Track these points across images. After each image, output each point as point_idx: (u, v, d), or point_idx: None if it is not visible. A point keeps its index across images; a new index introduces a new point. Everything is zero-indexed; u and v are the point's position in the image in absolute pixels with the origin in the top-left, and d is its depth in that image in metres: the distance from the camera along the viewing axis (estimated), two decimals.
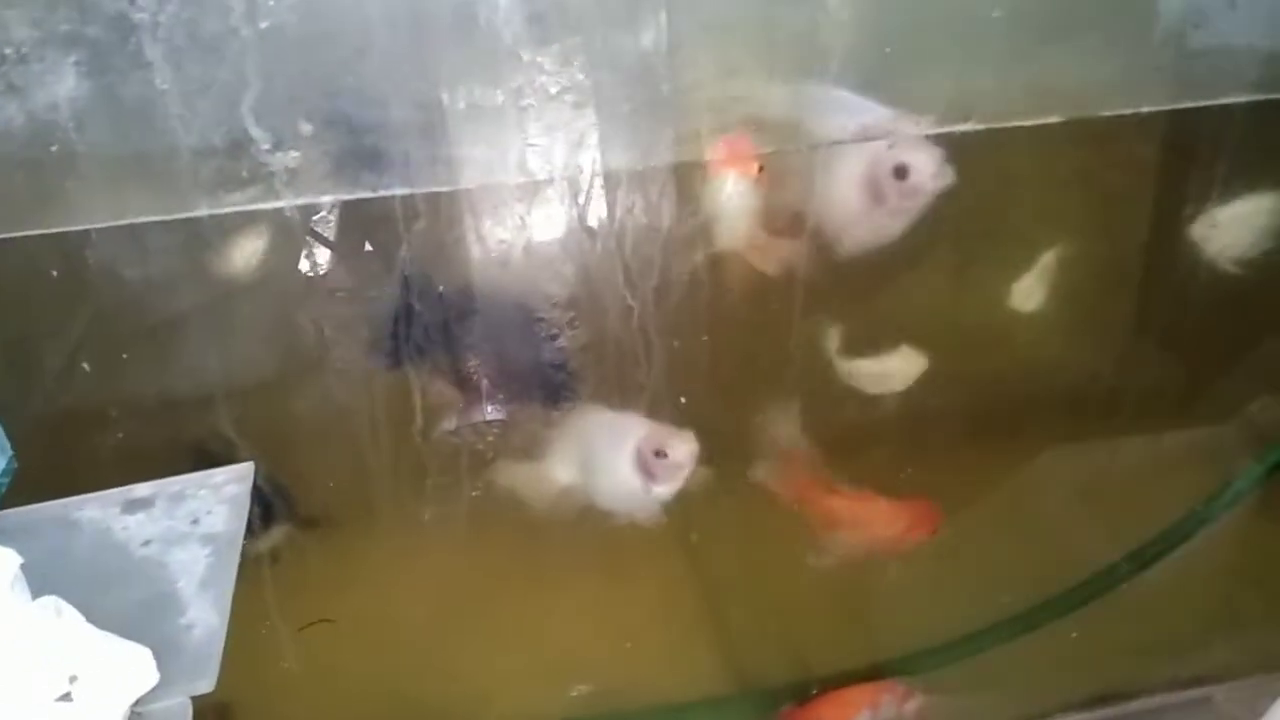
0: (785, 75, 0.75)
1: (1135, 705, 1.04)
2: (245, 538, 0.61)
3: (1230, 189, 0.85)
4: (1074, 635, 0.99)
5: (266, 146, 0.63)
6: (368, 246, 0.73)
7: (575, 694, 0.99)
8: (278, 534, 0.86)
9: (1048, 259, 0.89)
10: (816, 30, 0.72)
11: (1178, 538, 0.99)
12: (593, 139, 0.69)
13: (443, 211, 0.70)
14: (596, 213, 0.74)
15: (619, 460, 0.90)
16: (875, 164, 0.78)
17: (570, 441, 0.93)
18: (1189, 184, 0.85)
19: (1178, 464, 1.02)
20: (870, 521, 0.97)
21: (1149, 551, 1.00)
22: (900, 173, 0.77)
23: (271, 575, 0.83)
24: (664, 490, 0.91)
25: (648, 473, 0.89)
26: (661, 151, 0.74)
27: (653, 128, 0.73)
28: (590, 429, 0.93)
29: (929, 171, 0.77)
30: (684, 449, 0.88)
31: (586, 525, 0.97)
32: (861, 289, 0.87)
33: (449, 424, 0.90)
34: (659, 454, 0.88)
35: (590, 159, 0.70)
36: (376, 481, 0.85)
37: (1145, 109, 0.77)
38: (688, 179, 0.77)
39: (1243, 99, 0.78)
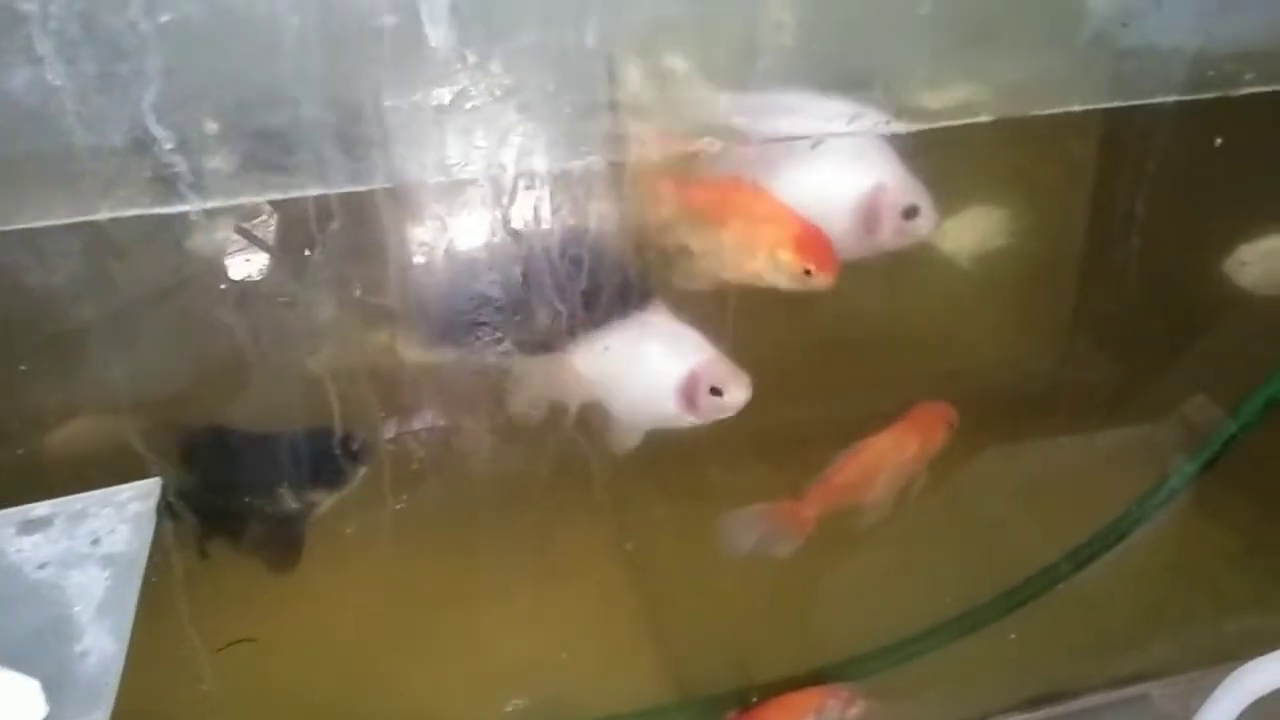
0: (722, 76, 0.74)
1: (1074, 705, 1.05)
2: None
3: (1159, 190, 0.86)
4: (1013, 636, 1.00)
5: (170, 146, 0.60)
6: (277, 249, 0.71)
7: (511, 708, 0.96)
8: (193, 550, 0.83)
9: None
10: (755, 30, 0.71)
11: (1113, 537, 1.00)
12: (515, 138, 0.67)
13: (360, 213, 0.67)
14: (521, 214, 0.72)
15: (665, 376, 0.84)
16: (880, 196, 0.78)
17: (615, 334, 0.84)
18: (1118, 184, 0.85)
19: (1113, 463, 1.03)
20: None
21: (1085, 551, 1.00)
22: (910, 213, 0.78)
23: (187, 592, 0.80)
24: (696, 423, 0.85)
25: (690, 403, 0.83)
26: (593, 152, 0.72)
27: (581, 128, 0.71)
28: (644, 331, 0.85)
29: (933, 218, 0.78)
30: (740, 395, 0.82)
31: (520, 532, 0.95)
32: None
33: (387, 432, 0.88)
34: (714, 390, 0.82)
35: (514, 158, 0.68)
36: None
37: (1075, 108, 0.77)
38: (619, 180, 0.76)
39: (1171, 99, 0.79)
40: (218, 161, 0.61)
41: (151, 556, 0.60)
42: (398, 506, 0.86)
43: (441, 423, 0.89)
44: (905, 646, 1.01)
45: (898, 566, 1.01)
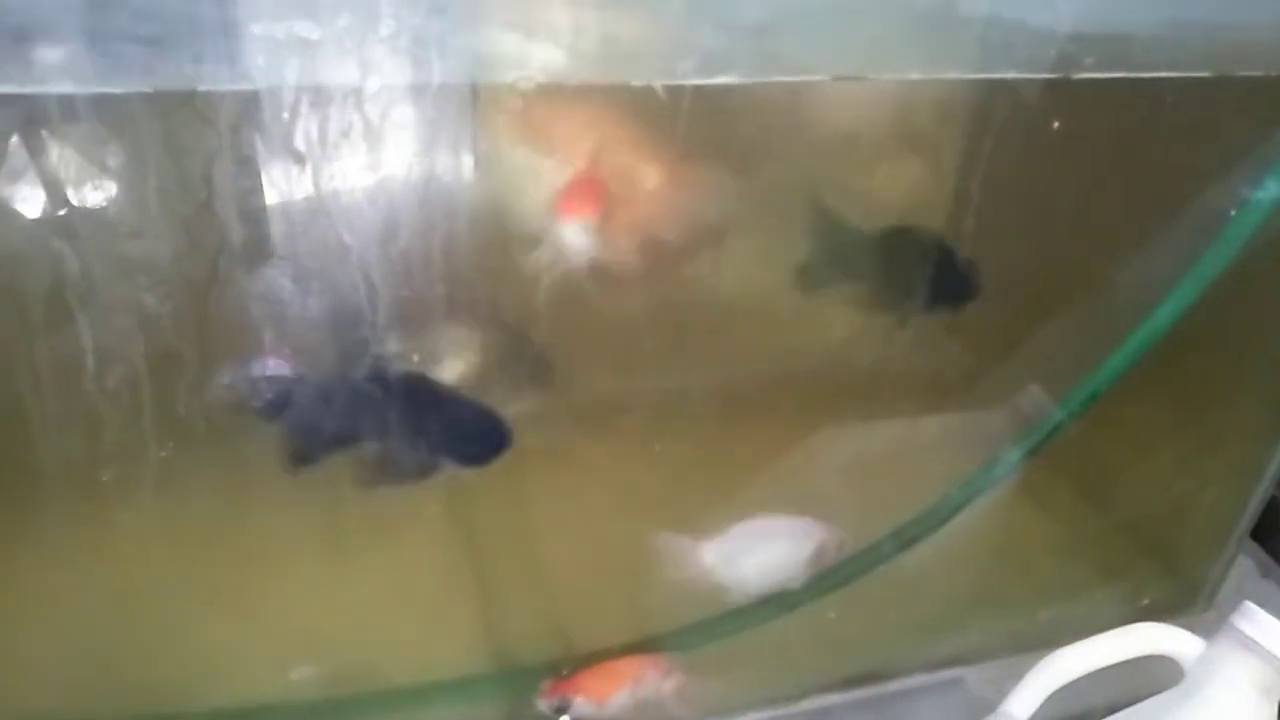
0: None
1: (890, 686, 1.05)
2: None
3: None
4: (831, 615, 0.99)
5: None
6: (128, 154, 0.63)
7: (297, 676, 0.91)
8: None
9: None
10: None
11: (935, 521, 1.00)
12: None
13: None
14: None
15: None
16: None
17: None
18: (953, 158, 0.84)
19: (941, 447, 1.03)
20: None
21: (907, 533, 1.00)
22: None
23: None
24: None
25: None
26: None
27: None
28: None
29: None
30: None
31: (324, 490, 0.90)
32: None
33: (223, 376, 0.81)
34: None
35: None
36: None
37: (913, 76, 0.75)
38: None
39: (1011, 75, 0.77)
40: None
41: None
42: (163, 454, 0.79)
43: (283, 372, 0.83)
44: (724, 621, 0.99)
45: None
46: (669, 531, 0.94)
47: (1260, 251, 0.91)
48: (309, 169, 0.65)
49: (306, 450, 0.85)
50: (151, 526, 0.87)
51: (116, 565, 0.87)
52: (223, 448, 0.83)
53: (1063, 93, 0.79)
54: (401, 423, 0.84)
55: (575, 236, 0.78)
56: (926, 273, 0.95)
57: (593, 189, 0.80)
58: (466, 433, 0.87)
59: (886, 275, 0.97)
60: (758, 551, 0.96)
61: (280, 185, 0.67)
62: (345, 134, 0.64)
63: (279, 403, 0.82)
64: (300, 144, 0.63)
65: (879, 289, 0.98)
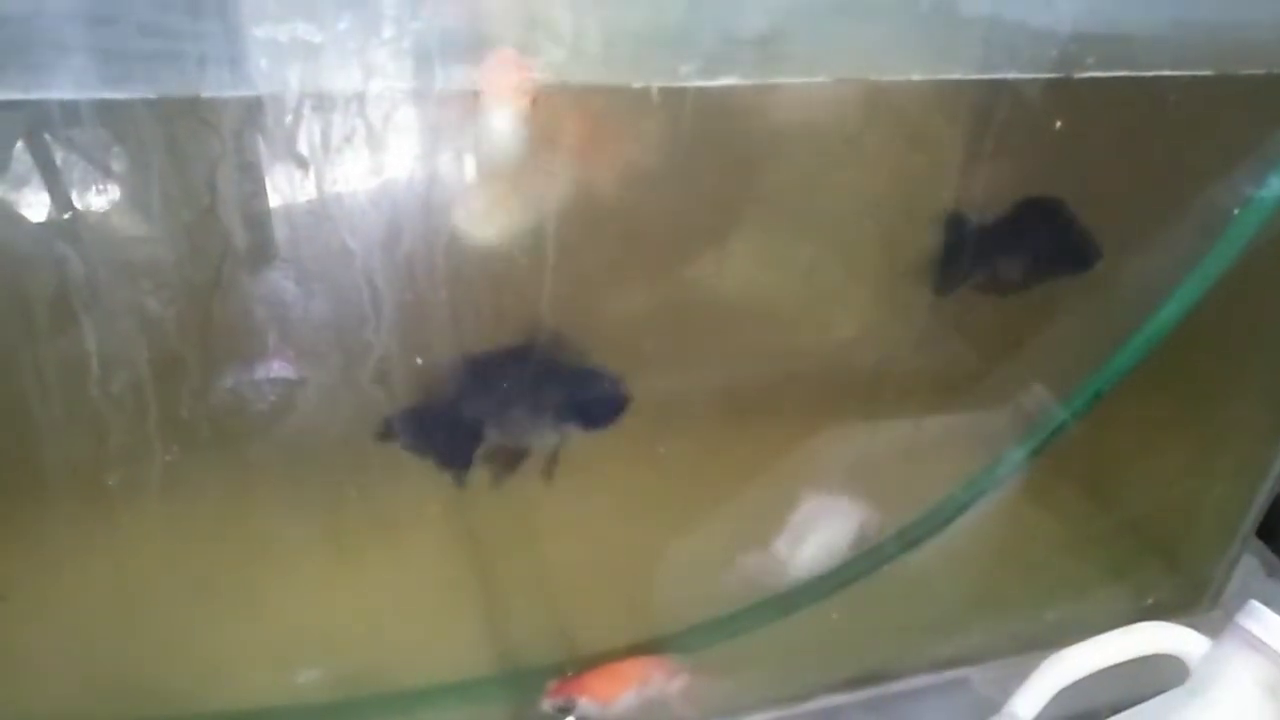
0: None
1: (895, 686, 1.05)
2: None
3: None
4: (835, 616, 0.99)
5: None
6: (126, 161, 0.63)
7: (302, 679, 0.91)
8: None
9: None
10: None
11: (939, 521, 0.99)
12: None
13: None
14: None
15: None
16: None
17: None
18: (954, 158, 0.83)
19: (946, 447, 1.02)
20: None
21: (911, 534, 1.00)
22: None
23: None
24: None
25: None
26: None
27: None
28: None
29: None
30: None
31: (330, 493, 0.90)
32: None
33: (227, 379, 0.81)
34: None
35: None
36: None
37: (915, 77, 0.75)
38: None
39: (1012, 76, 0.77)
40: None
41: None
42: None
43: (287, 374, 0.83)
44: (729, 622, 0.99)
45: (727, 542, 0.99)
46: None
47: (1264, 249, 0.91)
48: (312, 173, 0.65)
49: (458, 454, 0.88)
50: (156, 528, 0.87)
51: (122, 567, 0.87)
52: (227, 450, 0.83)
53: (1065, 91, 0.80)
54: (527, 399, 0.85)
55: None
56: (1054, 243, 0.96)
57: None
58: (589, 397, 0.88)
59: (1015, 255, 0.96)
60: (819, 533, 0.98)
61: (283, 189, 0.67)
62: (348, 138, 0.64)
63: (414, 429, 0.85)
64: (303, 148, 0.64)
65: (1008, 270, 0.97)
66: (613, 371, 0.87)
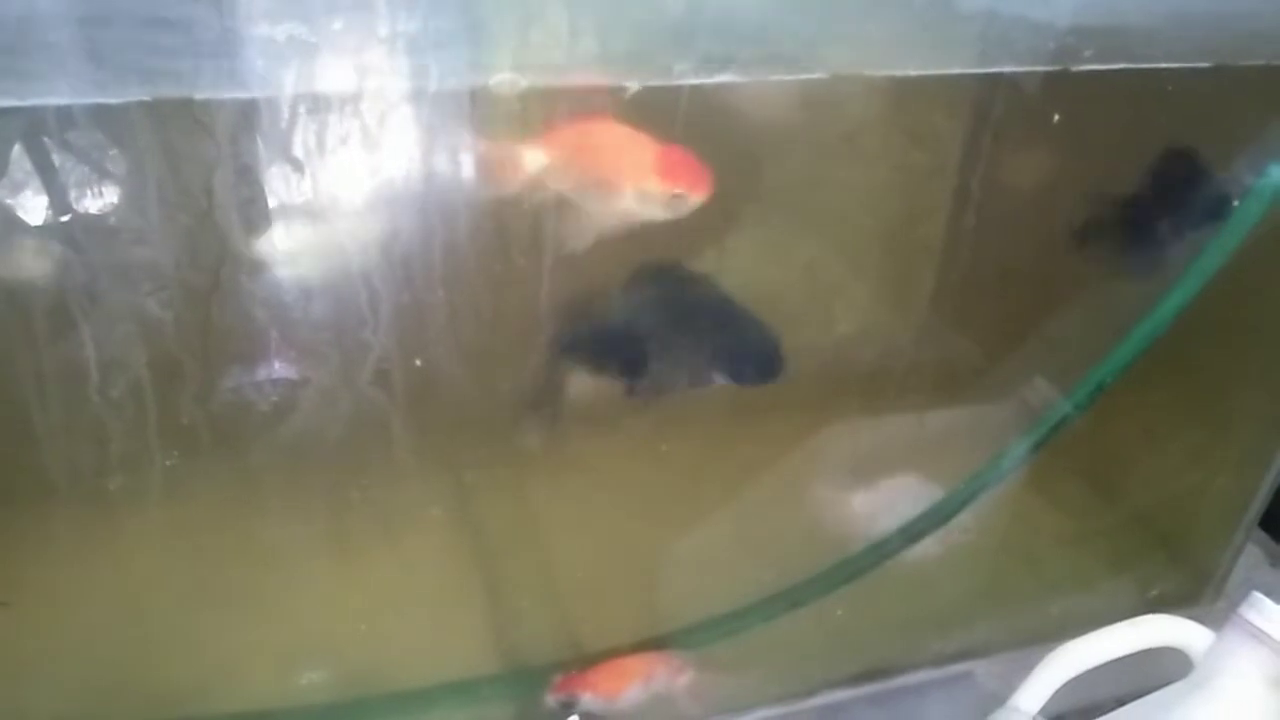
0: None
1: (899, 681, 1.05)
2: None
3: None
4: (839, 612, 0.99)
5: None
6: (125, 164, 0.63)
7: (306, 679, 0.91)
8: None
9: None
10: None
11: (943, 515, 0.99)
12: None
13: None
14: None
15: None
16: None
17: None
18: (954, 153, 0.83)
19: (951, 440, 1.03)
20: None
21: (915, 528, 0.99)
22: None
23: None
24: None
25: None
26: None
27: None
28: None
29: None
30: None
31: (338, 492, 0.90)
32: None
33: (227, 381, 0.81)
34: None
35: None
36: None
37: (912, 72, 0.74)
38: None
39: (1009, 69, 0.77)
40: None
41: None
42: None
43: (289, 375, 0.83)
44: (734, 618, 0.99)
45: (731, 539, 0.99)
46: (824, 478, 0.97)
47: (1265, 240, 0.90)
48: (307, 174, 0.65)
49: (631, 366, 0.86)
50: (160, 530, 0.87)
51: (124, 571, 0.88)
52: (228, 451, 0.83)
53: (1064, 83, 0.79)
54: (687, 333, 0.85)
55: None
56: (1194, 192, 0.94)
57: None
58: (746, 351, 0.86)
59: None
60: (899, 504, 1.00)
61: (279, 190, 0.67)
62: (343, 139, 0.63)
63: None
64: (298, 150, 0.63)
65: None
66: (777, 335, 0.85)
